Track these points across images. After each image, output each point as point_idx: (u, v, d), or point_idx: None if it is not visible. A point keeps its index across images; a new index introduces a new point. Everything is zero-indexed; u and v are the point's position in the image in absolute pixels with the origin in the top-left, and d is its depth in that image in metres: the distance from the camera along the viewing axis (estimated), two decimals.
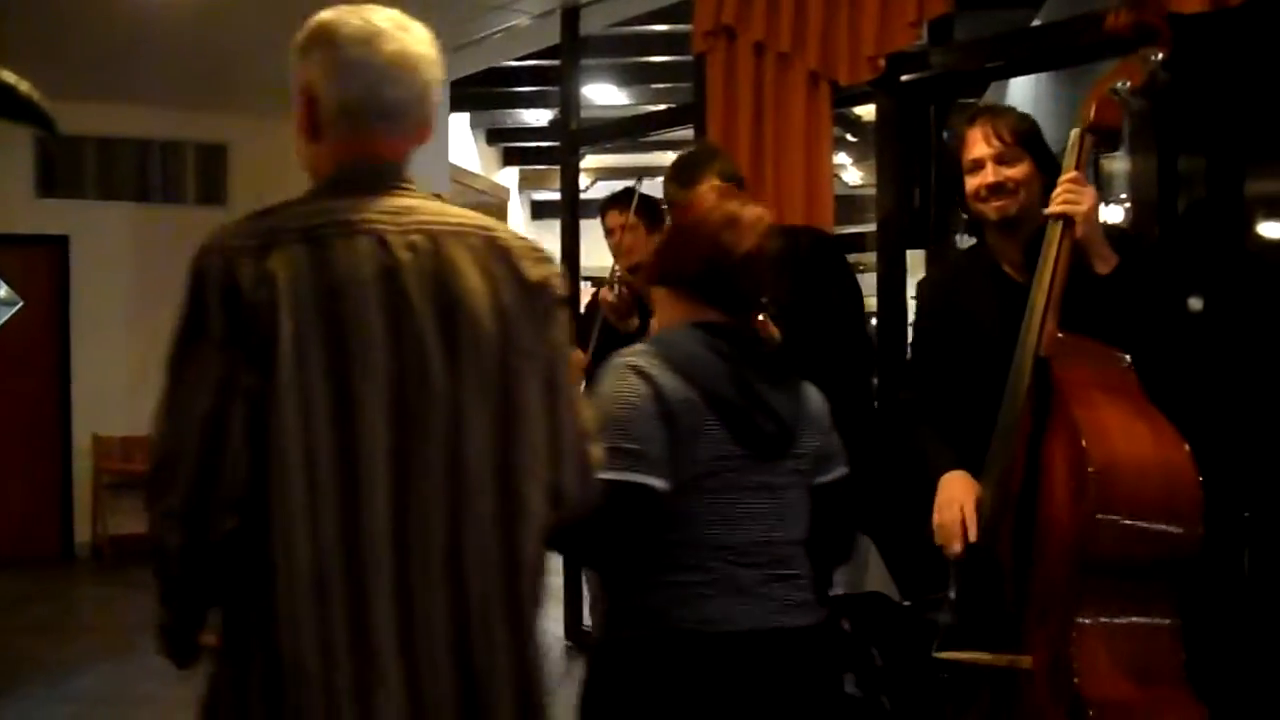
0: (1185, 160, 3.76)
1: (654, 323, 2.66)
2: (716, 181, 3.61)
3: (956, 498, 2.88)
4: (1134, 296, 2.78)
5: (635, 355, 2.35)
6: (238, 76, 8.64)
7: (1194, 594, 2.68)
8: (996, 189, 2.96)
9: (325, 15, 1.97)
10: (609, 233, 4.75)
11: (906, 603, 4.14)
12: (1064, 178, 2.78)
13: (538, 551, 1.91)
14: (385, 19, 1.95)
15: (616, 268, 4.65)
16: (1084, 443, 2.53)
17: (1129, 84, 2.78)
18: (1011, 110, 3.11)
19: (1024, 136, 2.96)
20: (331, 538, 1.75)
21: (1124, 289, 2.79)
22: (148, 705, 5.41)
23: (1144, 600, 2.57)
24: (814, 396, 2.53)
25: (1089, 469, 2.51)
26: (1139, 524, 2.52)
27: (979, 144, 2.99)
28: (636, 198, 4.75)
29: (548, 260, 1.99)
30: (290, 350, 1.75)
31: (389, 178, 1.95)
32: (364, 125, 1.95)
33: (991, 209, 2.97)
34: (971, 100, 7.23)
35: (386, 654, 1.77)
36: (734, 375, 2.33)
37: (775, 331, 3.10)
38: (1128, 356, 2.72)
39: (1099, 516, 2.51)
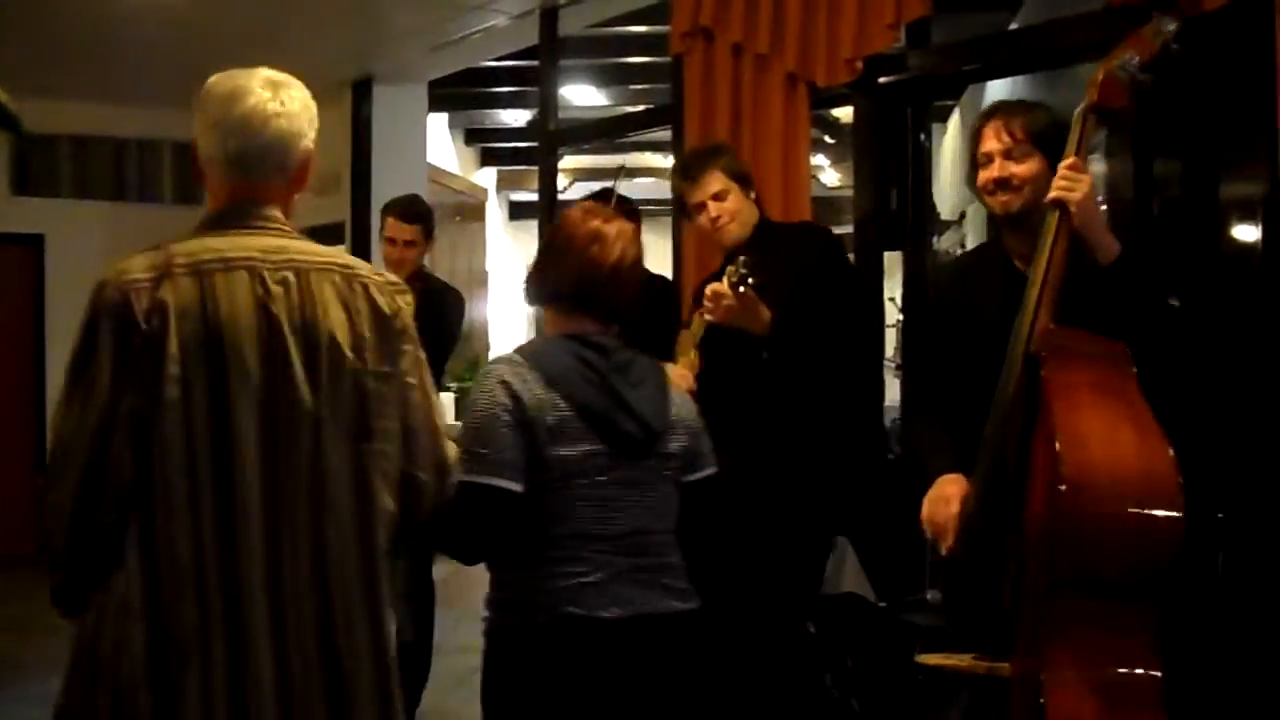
0: (1161, 163, 3.78)
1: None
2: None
3: (945, 494, 2.91)
4: (1133, 289, 2.76)
5: (503, 366, 2.58)
6: (215, 75, 8.61)
7: (1168, 596, 2.68)
8: (1001, 184, 2.99)
9: (214, 76, 2.30)
10: None
11: (882, 604, 4.17)
12: (1062, 164, 2.78)
13: (387, 545, 2.22)
14: (258, 80, 2.25)
15: None
16: (1058, 451, 2.47)
17: (1138, 59, 2.74)
18: (1030, 106, 3.09)
19: (1038, 134, 2.96)
20: (210, 533, 2.06)
21: (1124, 281, 2.77)
22: None
23: (1121, 618, 2.49)
24: (682, 401, 2.75)
25: (1059, 485, 2.45)
26: (1110, 541, 2.45)
27: (990, 139, 3.02)
28: (615, 198, 4.77)
29: (402, 292, 2.31)
30: (177, 371, 2.07)
31: (257, 219, 2.23)
32: (227, 173, 2.25)
33: (997, 203, 3.01)
34: (949, 103, 7.26)
35: (259, 634, 2.07)
36: (600, 382, 2.54)
37: (755, 302, 3.17)
38: (1128, 351, 2.65)
39: (1068, 533, 2.45)
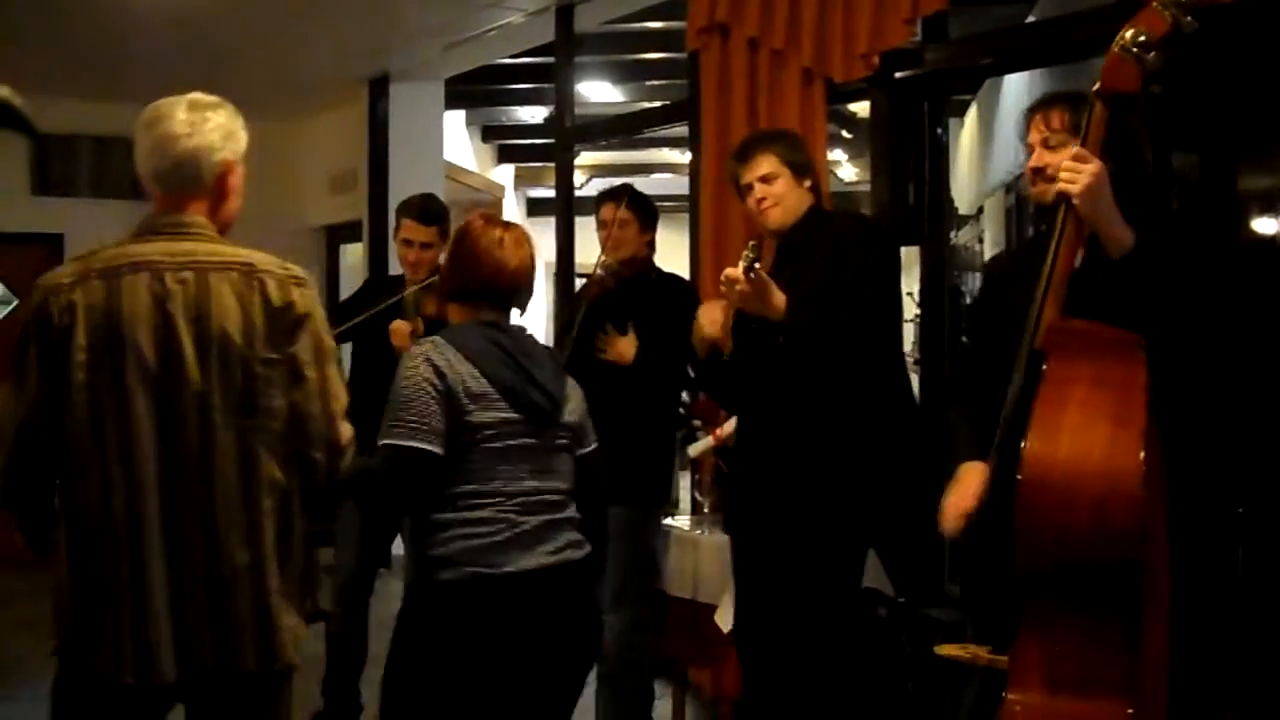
0: (1180, 156, 3.76)
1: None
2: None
3: (964, 483, 2.92)
4: (1143, 283, 2.74)
5: (428, 346, 2.93)
6: (232, 75, 8.61)
7: (1189, 591, 2.67)
8: (1038, 173, 3.01)
9: (148, 106, 2.67)
10: (601, 225, 4.79)
11: (901, 599, 4.17)
12: (1067, 153, 2.75)
13: (274, 507, 2.58)
14: (180, 106, 2.66)
15: (603, 257, 4.75)
16: (1024, 446, 2.48)
17: (1148, 37, 2.63)
18: (1074, 98, 3.05)
19: (1077, 125, 2.93)
20: (115, 494, 2.48)
21: (1133, 274, 2.74)
22: None
23: (1084, 614, 2.47)
24: (574, 384, 3.15)
25: (1018, 476, 2.46)
26: (1063, 536, 2.43)
27: (1034, 129, 3.04)
28: (630, 194, 4.79)
29: (299, 285, 2.61)
30: (83, 359, 2.49)
31: (176, 226, 2.60)
32: (154, 188, 2.64)
33: (1035, 193, 3.05)
34: (967, 97, 7.24)
35: (157, 579, 2.48)
36: (511, 361, 2.94)
37: (766, 286, 3.49)
38: (1140, 342, 2.61)
39: (1027, 527, 2.46)
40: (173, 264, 2.53)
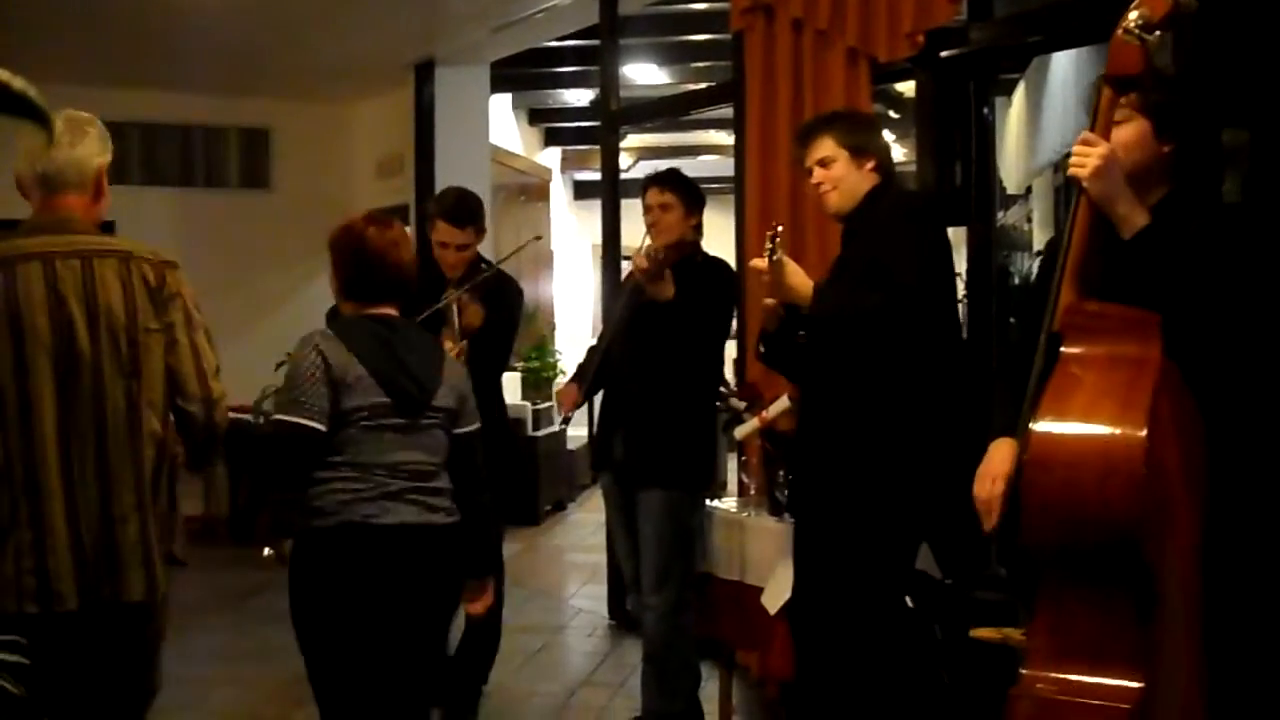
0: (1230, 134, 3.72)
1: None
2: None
3: (993, 471, 2.91)
4: (1154, 265, 2.70)
5: (318, 336, 3.36)
6: (279, 60, 8.68)
7: (1243, 588, 2.65)
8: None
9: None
10: (647, 209, 4.77)
11: (948, 581, 4.15)
12: (1078, 138, 2.75)
13: (153, 456, 3.05)
14: (61, 119, 2.90)
15: (648, 239, 4.70)
16: (1031, 427, 2.51)
17: (1149, 18, 2.63)
18: (1157, 80, 2.98)
19: (1148, 107, 2.91)
20: (17, 448, 2.90)
21: (1142, 256, 2.72)
22: (182, 686, 5.43)
23: (1094, 592, 2.48)
24: (453, 369, 3.54)
25: (1024, 455, 2.48)
26: (1065, 514, 2.45)
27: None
28: (673, 178, 4.78)
29: (171, 268, 3.08)
30: None
31: (61, 222, 3.03)
32: (36, 190, 3.06)
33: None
34: (1014, 76, 7.19)
35: (57, 519, 2.91)
36: (388, 351, 3.35)
37: (786, 274, 3.53)
38: (1158, 323, 2.60)
39: (1034, 505, 2.48)
40: (61, 253, 2.97)
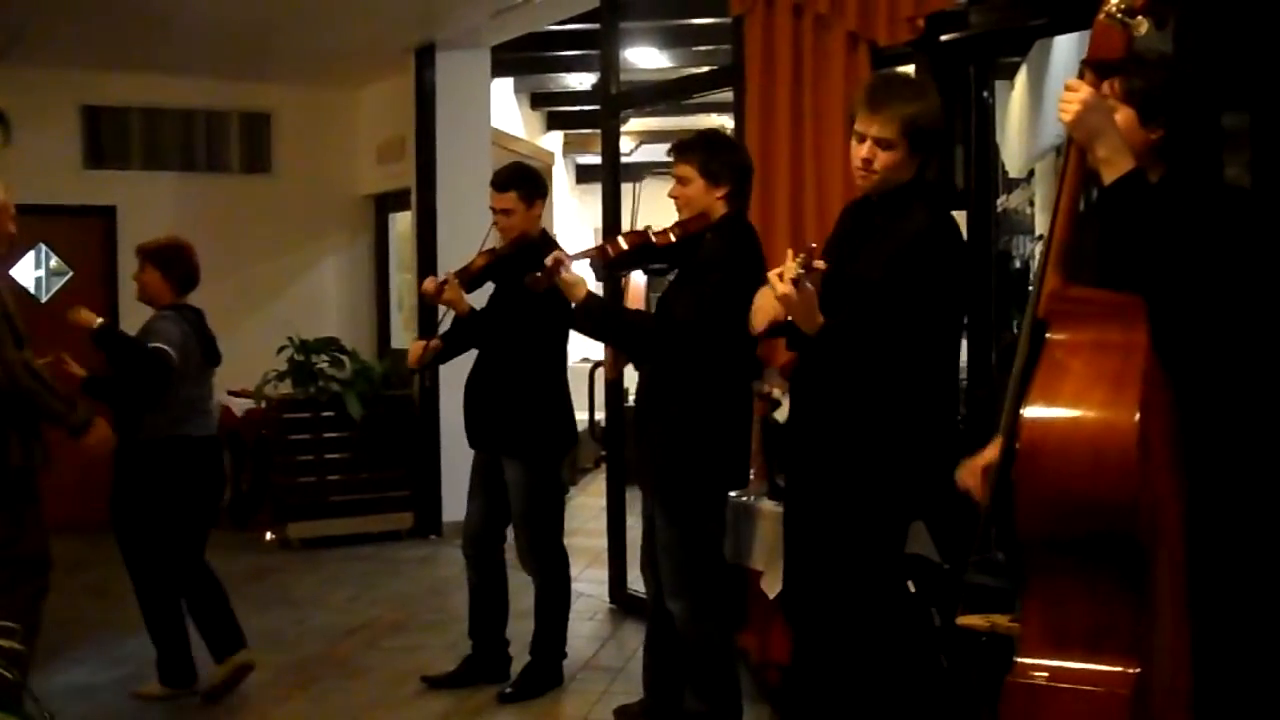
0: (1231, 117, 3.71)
1: None
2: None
3: (975, 464, 2.92)
4: (1127, 210, 2.70)
5: (174, 314, 5.40)
6: (281, 45, 8.67)
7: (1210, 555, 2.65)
8: None
9: None
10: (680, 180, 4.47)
11: (946, 565, 4.17)
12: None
13: None
14: None
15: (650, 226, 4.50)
16: (1021, 414, 2.50)
17: (1131, 2, 2.59)
18: (1142, 64, 3.00)
19: (1127, 91, 2.94)
20: None
21: (1123, 204, 2.70)
22: (197, 668, 5.48)
23: (1084, 578, 2.47)
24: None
25: (1015, 444, 2.48)
26: (1058, 500, 2.44)
27: None
28: (688, 145, 4.45)
29: None
30: None
31: None
32: None
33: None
34: (1015, 60, 7.18)
35: None
36: (196, 326, 5.43)
37: (809, 301, 3.30)
38: (1142, 306, 2.57)
39: (1025, 492, 2.47)
40: None
